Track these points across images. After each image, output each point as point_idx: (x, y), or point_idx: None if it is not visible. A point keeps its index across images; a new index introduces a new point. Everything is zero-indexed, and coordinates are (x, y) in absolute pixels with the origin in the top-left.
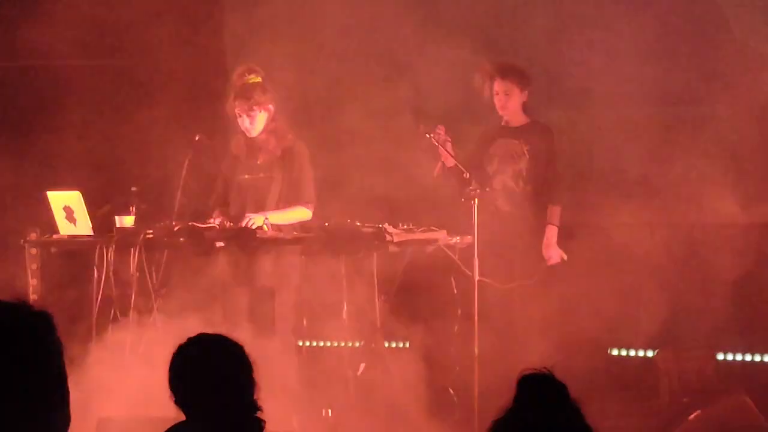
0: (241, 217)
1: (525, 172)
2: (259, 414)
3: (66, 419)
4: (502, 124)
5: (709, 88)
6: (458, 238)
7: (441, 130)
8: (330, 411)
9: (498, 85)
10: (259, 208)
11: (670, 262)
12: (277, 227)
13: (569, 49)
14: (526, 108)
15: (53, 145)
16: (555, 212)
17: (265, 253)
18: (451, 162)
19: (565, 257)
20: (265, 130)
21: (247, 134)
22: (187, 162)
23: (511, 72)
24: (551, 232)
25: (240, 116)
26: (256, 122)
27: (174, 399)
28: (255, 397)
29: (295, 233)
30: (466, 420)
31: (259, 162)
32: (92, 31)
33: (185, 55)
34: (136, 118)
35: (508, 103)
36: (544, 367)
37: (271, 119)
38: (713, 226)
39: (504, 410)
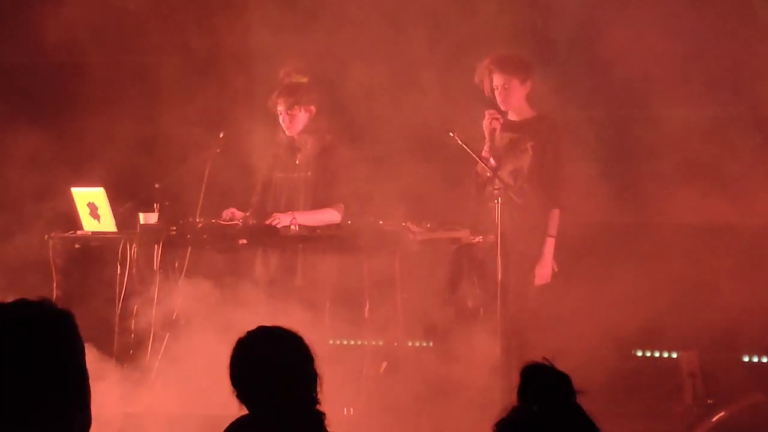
0: (272, 215)
1: (525, 170)
2: (318, 407)
3: (87, 418)
4: (507, 117)
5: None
6: (481, 237)
7: (490, 115)
8: (351, 409)
9: (497, 79)
10: (292, 207)
11: (697, 264)
12: (304, 227)
13: (612, 43)
14: (530, 100)
15: (77, 142)
16: (554, 219)
17: (293, 251)
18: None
19: (556, 269)
20: (305, 129)
21: (287, 132)
22: (211, 159)
23: (510, 64)
24: (548, 247)
25: (281, 114)
26: (296, 121)
27: (236, 393)
28: (314, 388)
29: (318, 232)
30: (488, 420)
31: (297, 162)
32: (115, 27)
33: (210, 52)
34: (161, 114)
35: (509, 97)
36: (545, 358)
37: (312, 120)
38: (742, 228)
39: (508, 408)
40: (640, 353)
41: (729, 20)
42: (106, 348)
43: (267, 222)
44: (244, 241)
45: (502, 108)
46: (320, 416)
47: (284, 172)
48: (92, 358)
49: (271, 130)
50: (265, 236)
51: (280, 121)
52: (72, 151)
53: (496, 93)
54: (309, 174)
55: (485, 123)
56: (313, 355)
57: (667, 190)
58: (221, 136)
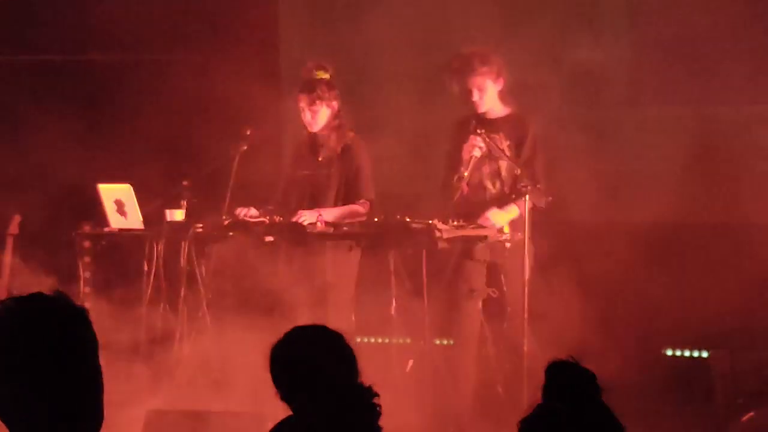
0: (296, 212)
1: (504, 171)
2: (375, 400)
3: (99, 414)
4: (480, 115)
5: None
6: (508, 234)
7: (474, 142)
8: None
9: (470, 82)
10: (316, 204)
11: (726, 262)
12: (330, 224)
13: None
14: (504, 97)
15: (105, 138)
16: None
17: (319, 249)
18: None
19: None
20: (327, 126)
21: (309, 129)
22: (238, 156)
23: (482, 64)
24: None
25: (303, 110)
26: (318, 117)
27: (280, 395)
28: (362, 382)
29: (345, 229)
30: (514, 418)
31: (319, 159)
32: (143, 24)
33: (238, 49)
34: (188, 111)
35: (484, 99)
36: (571, 356)
37: (334, 116)
38: None
39: (532, 406)
40: (670, 352)
41: None
42: (131, 344)
43: (293, 219)
44: (271, 239)
45: (478, 111)
46: (374, 408)
47: (307, 169)
48: (117, 354)
49: (296, 126)
50: (291, 233)
51: (302, 117)
52: (100, 147)
53: (469, 96)
54: (332, 171)
55: (467, 147)
56: (354, 350)
57: (702, 188)
58: (248, 133)
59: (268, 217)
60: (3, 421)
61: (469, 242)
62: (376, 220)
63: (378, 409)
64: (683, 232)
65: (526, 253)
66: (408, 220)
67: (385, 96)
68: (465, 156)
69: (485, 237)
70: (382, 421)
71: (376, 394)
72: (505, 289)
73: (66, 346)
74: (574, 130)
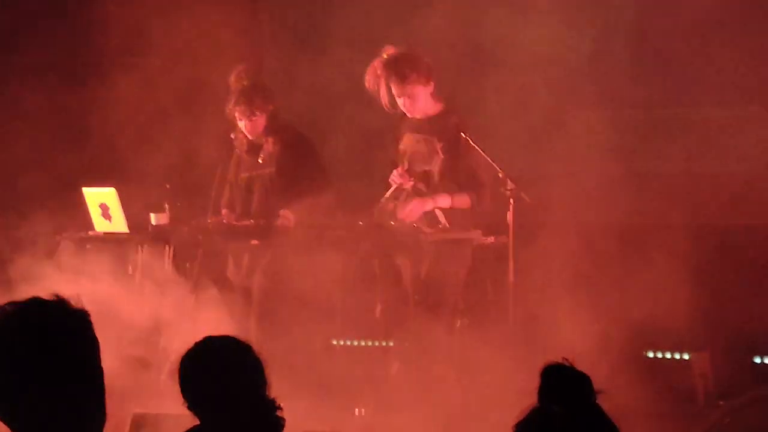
0: (245, 215)
1: (437, 174)
2: (279, 413)
3: (102, 415)
4: (411, 118)
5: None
6: (493, 238)
7: (399, 175)
8: (363, 410)
9: (397, 90)
10: (262, 204)
11: (707, 264)
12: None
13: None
14: (435, 96)
15: (89, 142)
16: (462, 197)
17: (301, 251)
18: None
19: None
20: (266, 130)
21: (249, 136)
22: (222, 160)
23: (410, 71)
24: (440, 199)
25: (241, 120)
26: (258, 125)
27: (186, 404)
28: (267, 395)
29: (329, 232)
30: (500, 421)
31: (260, 160)
32: (128, 30)
33: (220, 54)
34: (172, 116)
35: (415, 105)
36: (565, 359)
37: (271, 119)
38: (752, 228)
39: (528, 410)
40: (651, 354)
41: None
42: (117, 347)
43: (275, 222)
44: (256, 242)
45: (409, 116)
46: (278, 422)
47: (248, 171)
48: (102, 357)
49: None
50: (277, 236)
51: (241, 126)
52: (84, 150)
53: (399, 102)
54: (273, 170)
55: (392, 178)
56: (263, 363)
57: (679, 189)
58: (232, 136)
59: (252, 220)
60: (8, 425)
61: (453, 245)
62: (360, 223)
63: (282, 422)
64: (666, 233)
65: (510, 255)
66: (393, 222)
67: (360, 98)
68: (401, 150)
69: (470, 240)
70: (372, 423)
71: (280, 408)
72: (489, 291)
73: (68, 349)
74: (566, 129)
